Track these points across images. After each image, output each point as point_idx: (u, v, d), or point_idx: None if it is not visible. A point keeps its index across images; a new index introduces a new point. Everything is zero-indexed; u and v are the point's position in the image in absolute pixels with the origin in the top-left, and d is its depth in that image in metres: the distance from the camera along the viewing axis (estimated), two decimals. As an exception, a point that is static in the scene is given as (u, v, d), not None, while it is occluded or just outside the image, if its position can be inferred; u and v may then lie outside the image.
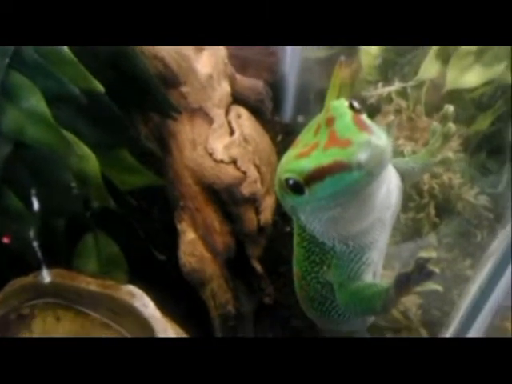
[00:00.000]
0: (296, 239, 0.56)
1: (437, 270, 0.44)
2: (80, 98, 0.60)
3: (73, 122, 0.63)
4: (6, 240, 0.66)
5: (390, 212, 0.52)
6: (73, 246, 0.72)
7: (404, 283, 0.46)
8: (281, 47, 0.98)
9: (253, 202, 0.72)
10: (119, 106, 0.64)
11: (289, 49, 0.98)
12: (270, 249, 0.78)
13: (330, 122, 0.47)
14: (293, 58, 0.97)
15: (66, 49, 0.59)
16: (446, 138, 0.57)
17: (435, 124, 0.58)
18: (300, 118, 0.92)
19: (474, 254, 0.73)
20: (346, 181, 0.44)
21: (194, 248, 0.71)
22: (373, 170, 0.44)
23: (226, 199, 0.71)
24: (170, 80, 0.68)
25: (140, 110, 0.70)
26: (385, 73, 0.79)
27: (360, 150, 0.44)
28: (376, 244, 0.52)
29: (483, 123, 0.74)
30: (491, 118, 0.74)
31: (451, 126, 0.56)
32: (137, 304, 0.63)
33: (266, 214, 0.74)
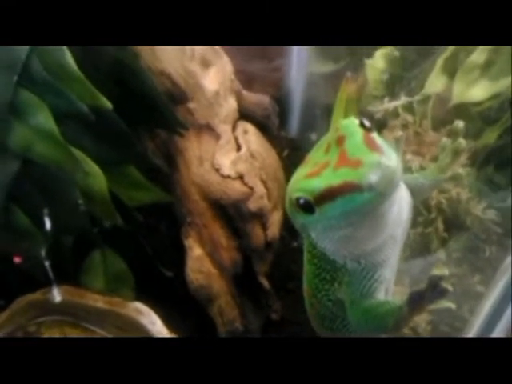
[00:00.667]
0: (306, 256, 0.56)
1: (450, 288, 0.44)
2: (88, 115, 0.60)
3: (80, 139, 0.63)
4: (16, 259, 0.66)
5: (402, 229, 0.51)
6: (80, 263, 0.71)
7: (417, 301, 0.46)
8: (286, 63, 0.99)
9: (260, 217, 0.72)
10: (126, 122, 0.65)
11: (294, 64, 0.99)
12: (277, 264, 0.78)
13: (340, 140, 0.47)
14: (298, 73, 0.98)
15: (73, 66, 0.59)
16: (456, 153, 0.57)
17: (444, 140, 0.58)
18: (308, 135, 0.92)
19: (483, 269, 0.73)
20: (357, 202, 0.44)
21: (201, 264, 0.71)
22: (384, 191, 0.44)
23: (232, 215, 0.71)
24: (177, 96, 0.69)
25: (147, 127, 0.70)
26: (391, 87, 0.79)
27: (370, 171, 0.43)
28: (388, 261, 0.51)
29: (490, 137, 0.74)
30: (498, 132, 0.74)
31: (461, 141, 0.56)
32: (144, 321, 0.63)
33: (273, 230, 0.74)
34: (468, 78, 0.71)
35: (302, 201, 0.47)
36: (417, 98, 0.75)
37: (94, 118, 0.61)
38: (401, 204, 0.50)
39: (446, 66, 0.72)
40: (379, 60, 0.78)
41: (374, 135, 0.47)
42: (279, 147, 0.88)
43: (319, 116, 0.92)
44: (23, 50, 0.58)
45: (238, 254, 0.72)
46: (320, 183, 0.45)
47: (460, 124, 0.56)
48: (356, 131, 0.46)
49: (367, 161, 0.44)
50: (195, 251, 0.71)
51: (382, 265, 0.51)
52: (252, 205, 0.70)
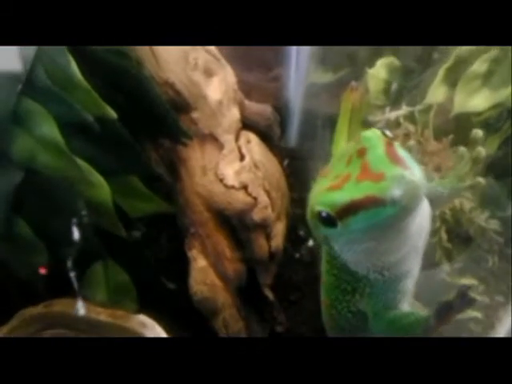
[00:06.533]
0: (325, 267, 0.55)
1: (478, 298, 0.44)
2: (93, 124, 0.59)
3: (85, 149, 0.62)
4: (42, 271, 0.64)
5: (423, 239, 0.51)
6: (82, 275, 0.70)
7: (445, 312, 0.46)
8: (284, 72, 0.99)
9: (264, 227, 0.71)
10: (130, 131, 0.64)
11: (293, 73, 0.99)
12: (280, 276, 0.77)
13: (361, 153, 0.46)
14: (297, 83, 0.98)
15: (78, 75, 0.59)
16: (475, 162, 0.57)
17: (462, 149, 0.58)
18: (308, 145, 0.92)
19: (486, 279, 0.73)
20: (380, 216, 0.44)
21: (205, 276, 0.70)
22: (407, 205, 0.44)
23: (236, 225, 0.71)
24: (181, 106, 0.68)
25: (151, 136, 0.70)
26: (392, 97, 0.80)
27: (394, 186, 0.43)
28: (411, 272, 0.51)
29: (491, 147, 0.74)
30: (498, 142, 0.75)
31: (481, 150, 0.56)
32: (148, 334, 0.62)
33: (277, 240, 0.73)
34: (469, 87, 0.72)
35: (324, 214, 0.46)
36: (418, 107, 0.75)
37: (98, 128, 0.60)
38: (422, 214, 0.50)
39: (448, 76, 0.73)
40: (380, 69, 0.79)
41: (396, 147, 0.46)
42: (279, 157, 0.87)
43: (319, 126, 0.92)
44: (28, 59, 0.58)
45: (242, 266, 0.71)
46: (342, 197, 0.45)
47: (479, 133, 0.56)
48: (378, 143, 0.46)
49: (390, 174, 0.43)
50: (199, 262, 0.70)
51: (406, 276, 0.51)
52: (256, 215, 0.70)
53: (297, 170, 0.92)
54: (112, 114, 0.61)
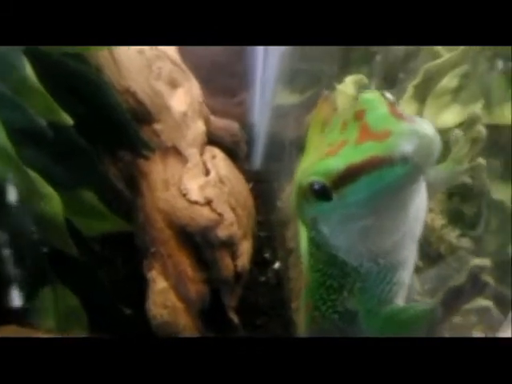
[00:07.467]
0: (309, 263, 0.50)
1: (491, 282, 0.39)
2: (46, 130, 0.55)
3: (36, 158, 0.58)
4: None
5: (419, 226, 0.47)
6: (28, 299, 0.64)
7: (455, 299, 0.40)
8: (249, 96, 0.98)
9: (229, 246, 0.67)
10: (87, 141, 0.60)
11: (258, 97, 0.98)
12: (245, 299, 0.73)
13: (359, 115, 0.41)
14: (262, 107, 0.96)
15: (33, 78, 0.55)
16: (475, 142, 0.52)
17: (457, 131, 0.54)
18: (273, 167, 0.89)
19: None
20: (388, 178, 0.38)
21: (165, 298, 0.65)
22: (420, 162, 0.38)
23: (200, 243, 0.67)
24: (143, 116, 0.65)
25: (109, 147, 0.66)
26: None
27: (404, 141, 0.38)
28: (407, 263, 0.46)
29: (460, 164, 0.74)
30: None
31: (481, 129, 0.52)
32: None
33: (243, 260, 0.69)
34: (438, 103, 0.71)
35: (316, 186, 0.41)
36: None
37: (52, 134, 0.56)
38: (421, 197, 0.45)
39: (417, 93, 0.72)
40: (349, 85, 0.77)
41: (400, 108, 0.42)
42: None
43: (285, 147, 0.90)
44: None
45: (205, 287, 0.67)
46: (338, 163, 0.40)
47: (477, 111, 0.53)
48: (379, 104, 0.41)
49: (397, 130, 0.38)
50: (159, 284, 0.65)
51: (403, 266, 0.46)
52: (221, 232, 0.66)
53: (262, 192, 0.89)
54: (68, 120, 0.57)
